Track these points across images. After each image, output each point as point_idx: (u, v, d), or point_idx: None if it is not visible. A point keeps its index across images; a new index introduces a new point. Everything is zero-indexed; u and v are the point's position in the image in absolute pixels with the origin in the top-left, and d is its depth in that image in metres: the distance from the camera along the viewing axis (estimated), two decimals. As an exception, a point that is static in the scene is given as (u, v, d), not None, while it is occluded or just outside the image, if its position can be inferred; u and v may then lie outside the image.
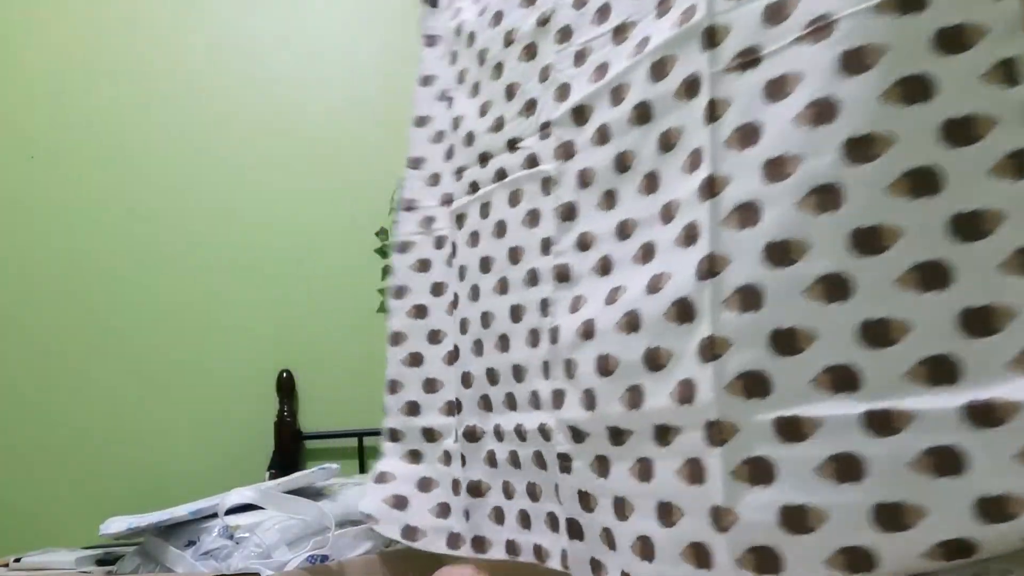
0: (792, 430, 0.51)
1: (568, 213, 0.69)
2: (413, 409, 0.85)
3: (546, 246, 0.71)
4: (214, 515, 1.02)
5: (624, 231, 0.64)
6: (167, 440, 1.97)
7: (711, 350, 0.54)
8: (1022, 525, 0.44)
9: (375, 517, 0.83)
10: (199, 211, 2.08)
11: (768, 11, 0.53)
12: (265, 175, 2.11)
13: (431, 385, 0.85)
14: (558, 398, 0.68)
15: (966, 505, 0.46)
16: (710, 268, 0.54)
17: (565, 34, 0.70)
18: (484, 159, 0.79)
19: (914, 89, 0.47)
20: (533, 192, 0.72)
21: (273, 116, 2.12)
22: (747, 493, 0.52)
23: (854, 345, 0.49)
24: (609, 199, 0.65)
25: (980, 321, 0.46)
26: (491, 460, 0.77)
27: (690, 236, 0.57)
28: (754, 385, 0.53)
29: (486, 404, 0.78)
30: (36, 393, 1.98)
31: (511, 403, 0.75)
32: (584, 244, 0.67)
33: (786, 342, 0.51)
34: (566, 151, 0.70)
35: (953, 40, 0.46)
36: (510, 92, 0.76)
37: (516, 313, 0.74)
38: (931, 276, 0.47)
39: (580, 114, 0.68)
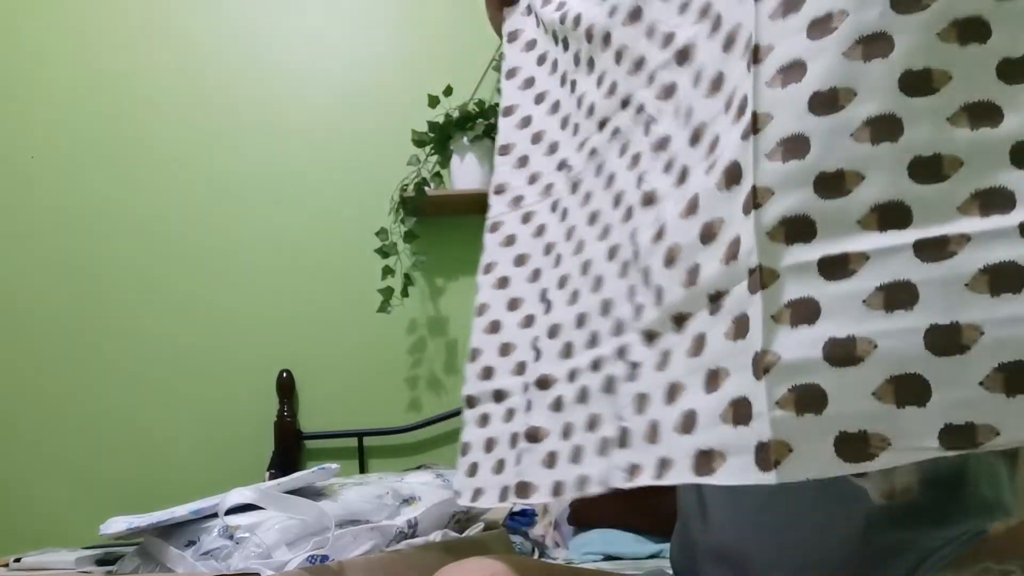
0: (838, 268, 0.50)
1: (661, 144, 0.71)
2: (487, 373, 0.87)
3: (639, 180, 0.72)
4: (214, 515, 1.02)
5: (696, 136, 0.65)
6: (167, 440, 1.97)
7: (753, 200, 0.54)
8: None
9: (458, 491, 0.85)
10: (199, 212, 2.08)
11: None
12: (265, 176, 2.11)
13: (505, 349, 0.87)
14: (638, 312, 0.68)
15: None
16: (752, 126, 0.55)
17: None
18: (602, 124, 0.82)
19: None
20: (638, 137, 0.75)
21: (273, 118, 2.12)
22: (789, 334, 0.51)
23: (905, 181, 0.50)
24: (688, 115, 0.68)
25: None
26: (557, 404, 0.78)
27: (741, 109, 0.58)
28: (797, 229, 0.52)
29: (567, 351, 0.79)
30: (36, 393, 1.98)
31: (592, 340, 0.76)
32: (668, 165, 0.69)
33: (833, 184, 0.51)
34: (667, 91, 0.72)
35: None
36: (618, 57, 0.80)
37: (612, 253, 0.75)
38: (983, 113, 0.49)
39: (684, 55, 0.70)
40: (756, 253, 0.53)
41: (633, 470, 0.65)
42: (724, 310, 0.58)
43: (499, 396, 0.85)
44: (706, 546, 0.85)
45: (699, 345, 0.61)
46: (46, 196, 2.06)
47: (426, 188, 1.98)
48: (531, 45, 1.01)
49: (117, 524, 1.04)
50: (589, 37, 0.87)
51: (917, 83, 0.50)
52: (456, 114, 1.99)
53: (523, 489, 0.78)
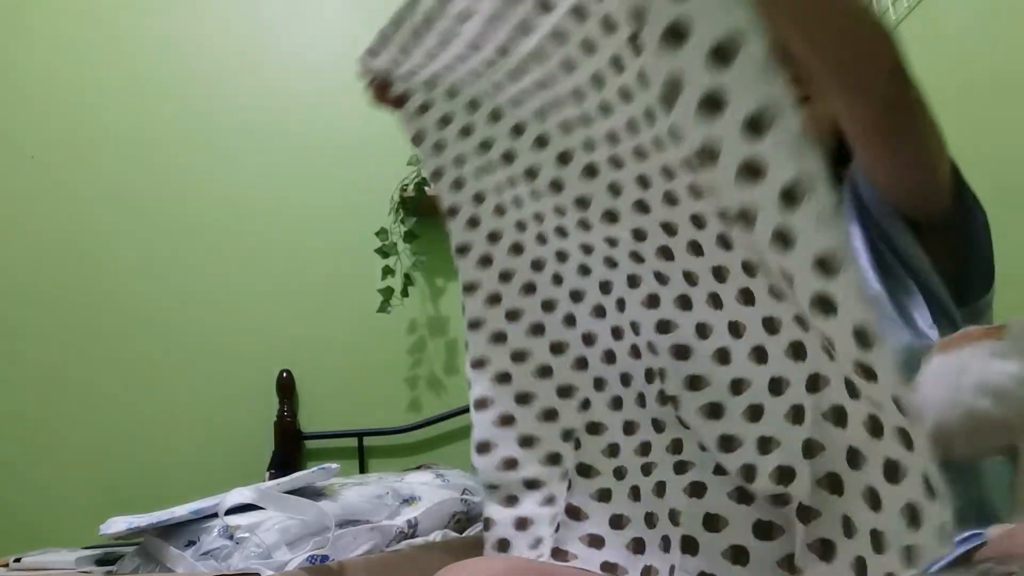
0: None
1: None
2: (511, 465, 0.87)
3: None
4: (214, 515, 1.02)
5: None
6: (167, 440, 1.97)
7: None
8: None
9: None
10: (200, 212, 2.08)
11: None
12: (266, 176, 2.11)
13: (527, 441, 0.88)
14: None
15: None
16: None
17: None
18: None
19: None
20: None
21: (274, 118, 2.12)
22: None
23: None
24: None
25: None
26: (602, 495, 0.80)
27: None
28: None
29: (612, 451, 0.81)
30: (36, 393, 1.98)
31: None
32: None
33: None
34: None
35: None
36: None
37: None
38: None
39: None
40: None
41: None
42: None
43: (532, 485, 0.85)
44: None
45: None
46: (46, 196, 2.06)
47: (426, 188, 1.98)
48: (439, 147, 0.87)
49: (117, 524, 1.04)
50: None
51: None
52: (456, 114, 1.99)
53: (560, 554, 0.79)
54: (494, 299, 0.88)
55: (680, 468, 0.71)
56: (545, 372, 0.86)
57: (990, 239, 0.82)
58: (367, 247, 2.00)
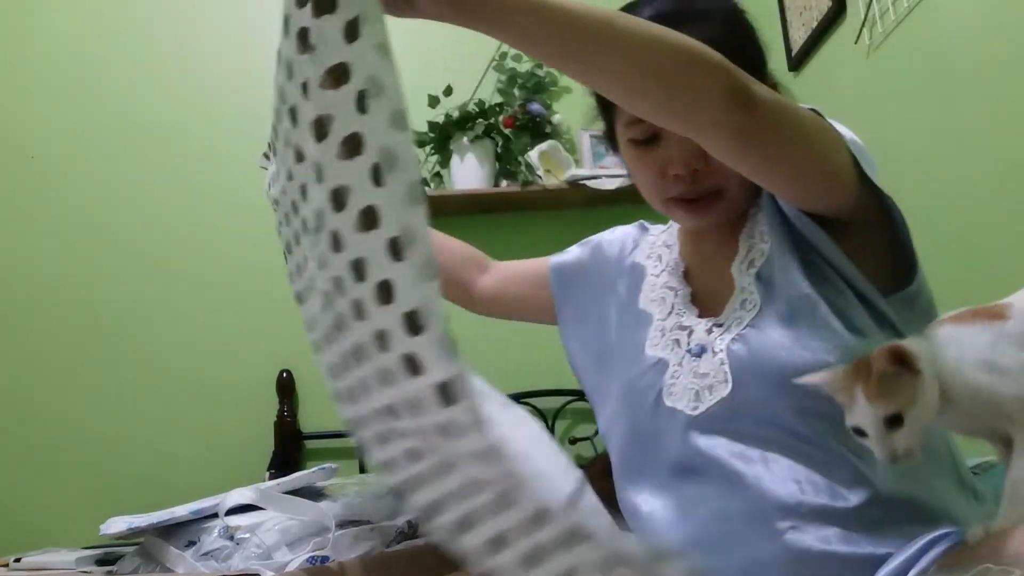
0: None
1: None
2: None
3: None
4: (214, 515, 1.02)
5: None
6: (167, 440, 1.97)
7: None
8: None
9: None
10: (200, 212, 2.08)
11: None
12: (265, 175, 2.10)
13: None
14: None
15: None
16: None
17: None
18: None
19: None
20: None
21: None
22: None
23: None
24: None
25: None
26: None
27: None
28: None
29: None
30: (36, 393, 1.98)
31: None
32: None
33: None
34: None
35: None
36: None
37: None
38: None
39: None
40: None
41: None
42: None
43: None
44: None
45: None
46: (46, 197, 2.06)
47: (426, 188, 1.98)
48: None
49: (117, 524, 1.04)
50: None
51: None
52: (456, 114, 1.99)
53: None
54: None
55: None
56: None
57: (907, 227, 0.81)
58: (367, 247, 2.00)
